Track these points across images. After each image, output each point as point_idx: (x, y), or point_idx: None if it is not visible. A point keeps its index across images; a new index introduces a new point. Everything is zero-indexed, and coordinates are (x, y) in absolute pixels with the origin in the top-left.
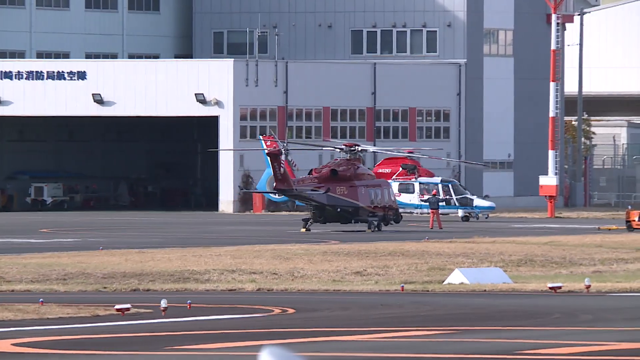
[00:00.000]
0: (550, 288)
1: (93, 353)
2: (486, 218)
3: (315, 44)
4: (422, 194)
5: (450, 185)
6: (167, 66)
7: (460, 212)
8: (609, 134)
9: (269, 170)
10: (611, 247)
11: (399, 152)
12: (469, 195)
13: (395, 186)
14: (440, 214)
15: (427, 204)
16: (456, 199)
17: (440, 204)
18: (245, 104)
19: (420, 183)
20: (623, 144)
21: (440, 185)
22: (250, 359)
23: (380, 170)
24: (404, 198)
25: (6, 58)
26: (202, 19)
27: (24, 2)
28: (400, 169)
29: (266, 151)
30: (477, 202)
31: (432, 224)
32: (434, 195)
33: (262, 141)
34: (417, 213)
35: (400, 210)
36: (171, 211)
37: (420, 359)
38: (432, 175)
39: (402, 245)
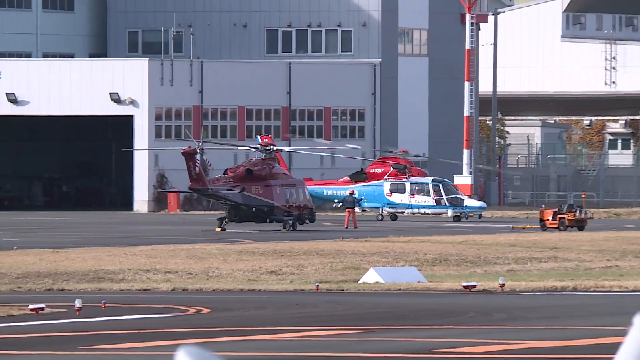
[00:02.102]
0: (464, 287)
1: (7, 353)
2: (479, 218)
3: (230, 44)
4: (412, 194)
5: (441, 185)
6: (81, 65)
7: (450, 212)
8: (523, 134)
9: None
10: (525, 246)
11: (314, 151)
12: (459, 196)
13: (387, 186)
14: (432, 214)
15: (344, 202)
16: (447, 199)
17: (356, 202)
18: (160, 103)
19: (411, 183)
20: (537, 143)
21: (431, 185)
22: (166, 359)
23: (373, 171)
24: (396, 198)
25: None
26: (117, 18)
27: None
28: (392, 169)
29: (181, 150)
30: (468, 202)
31: (347, 223)
32: (351, 194)
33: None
34: (409, 213)
35: (392, 210)
36: (86, 211)
37: (336, 358)
38: (424, 175)
39: (317, 245)
